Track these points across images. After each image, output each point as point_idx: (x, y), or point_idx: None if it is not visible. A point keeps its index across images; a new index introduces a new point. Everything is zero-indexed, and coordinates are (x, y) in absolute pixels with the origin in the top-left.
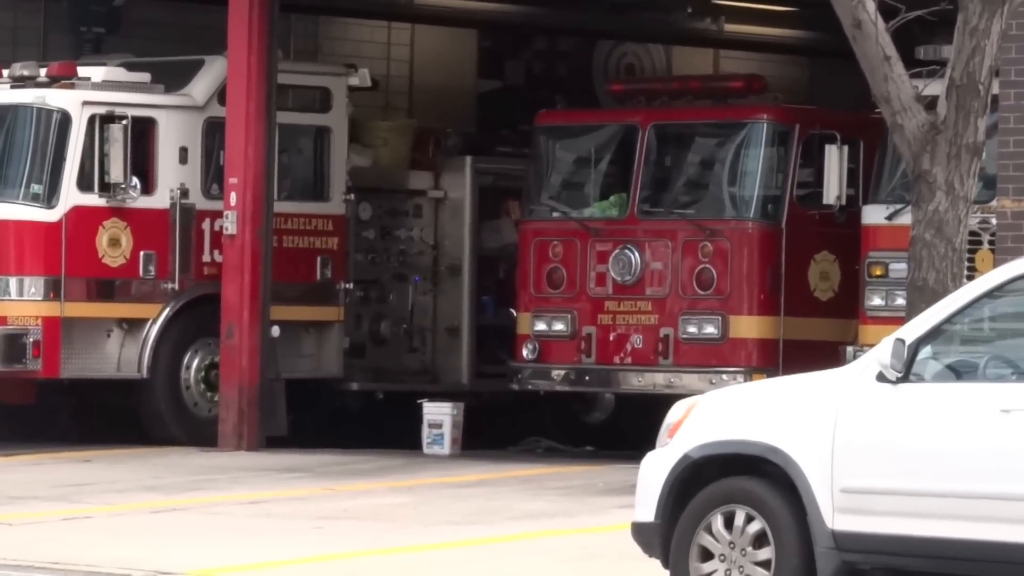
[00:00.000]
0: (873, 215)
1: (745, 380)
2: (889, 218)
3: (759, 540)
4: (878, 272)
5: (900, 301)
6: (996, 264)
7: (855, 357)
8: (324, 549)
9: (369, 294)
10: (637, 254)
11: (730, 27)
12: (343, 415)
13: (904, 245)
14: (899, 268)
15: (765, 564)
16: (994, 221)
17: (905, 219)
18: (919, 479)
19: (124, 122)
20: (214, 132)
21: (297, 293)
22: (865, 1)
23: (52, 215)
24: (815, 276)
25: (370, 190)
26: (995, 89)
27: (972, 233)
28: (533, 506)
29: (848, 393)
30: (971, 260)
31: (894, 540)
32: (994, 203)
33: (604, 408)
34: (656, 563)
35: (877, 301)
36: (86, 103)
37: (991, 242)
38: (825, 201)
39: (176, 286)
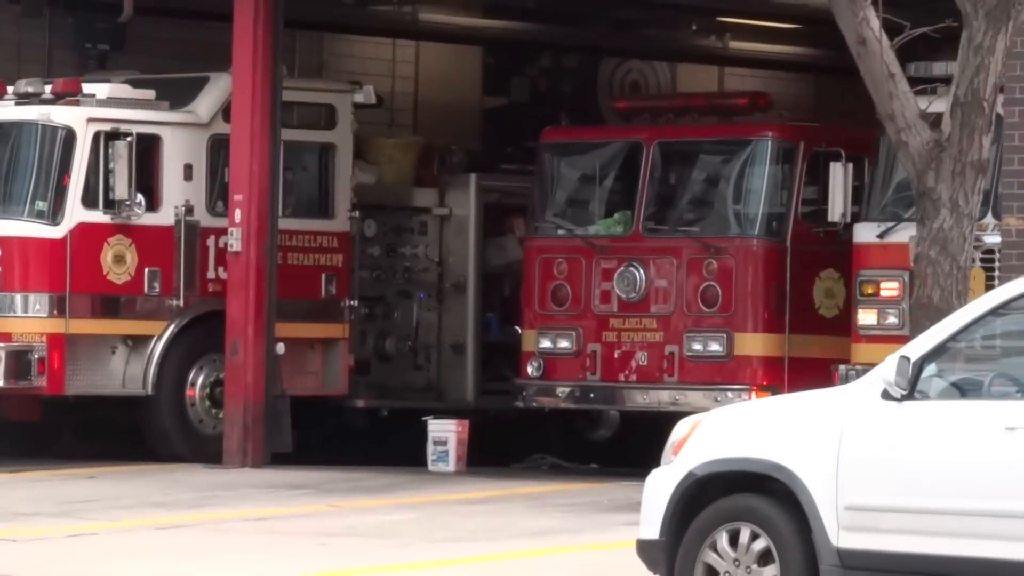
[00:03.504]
0: (865, 233)
1: (750, 398)
2: (881, 236)
3: (764, 558)
4: (870, 291)
5: (892, 320)
6: (1001, 282)
7: (847, 375)
8: (329, 566)
9: (374, 311)
10: (642, 271)
11: (735, 44)
12: (348, 432)
13: (896, 263)
14: (891, 286)
15: None
16: (986, 239)
17: (897, 237)
18: (924, 497)
19: (129, 139)
20: (219, 149)
21: (302, 310)
22: (869, 18)
23: (57, 232)
24: (820, 293)
25: (375, 207)
26: (1000, 107)
27: None
28: (538, 523)
29: (853, 411)
30: None
31: (899, 558)
32: (987, 220)
33: (609, 425)
34: None
35: (869, 320)
36: (91, 120)
37: (984, 260)
38: (830, 218)
39: (181, 303)
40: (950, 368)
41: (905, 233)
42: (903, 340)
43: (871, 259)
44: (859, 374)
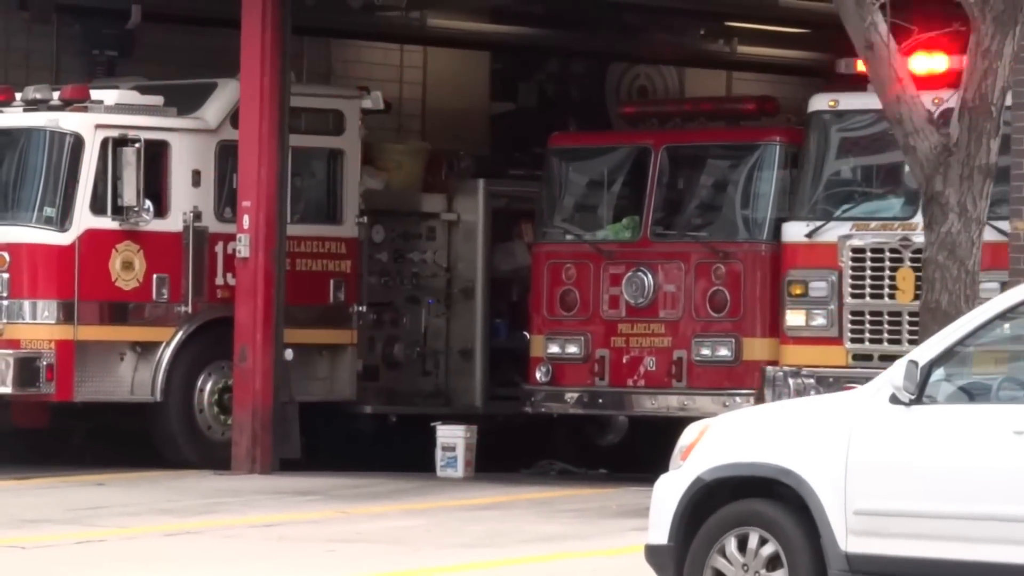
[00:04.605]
0: (793, 232)
1: (758, 402)
2: (809, 236)
3: (772, 562)
4: (798, 291)
5: (820, 321)
6: (1009, 286)
7: (775, 377)
8: (337, 572)
9: (382, 317)
10: (650, 276)
11: (743, 49)
12: (356, 438)
13: (824, 263)
14: (819, 287)
15: None
16: (914, 239)
17: (826, 237)
18: (932, 501)
19: (137, 145)
20: (227, 155)
21: (310, 316)
22: (877, 23)
23: (65, 238)
24: None
25: (383, 213)
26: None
27: (892, 251)
28: (546, 529)
29: (861, 415)
30: (892, 279)
31: (907, 562)
32: (916, 219)
33: (617, 430)
34: None
35: (797, 321)
36: (99, 126)
37: (912, 260)
38: None
39: (189, 309)
40: (958, 372)
41: (834, 233)
42: (831, 342)
43: (799, 259)
44: (787, 376)
